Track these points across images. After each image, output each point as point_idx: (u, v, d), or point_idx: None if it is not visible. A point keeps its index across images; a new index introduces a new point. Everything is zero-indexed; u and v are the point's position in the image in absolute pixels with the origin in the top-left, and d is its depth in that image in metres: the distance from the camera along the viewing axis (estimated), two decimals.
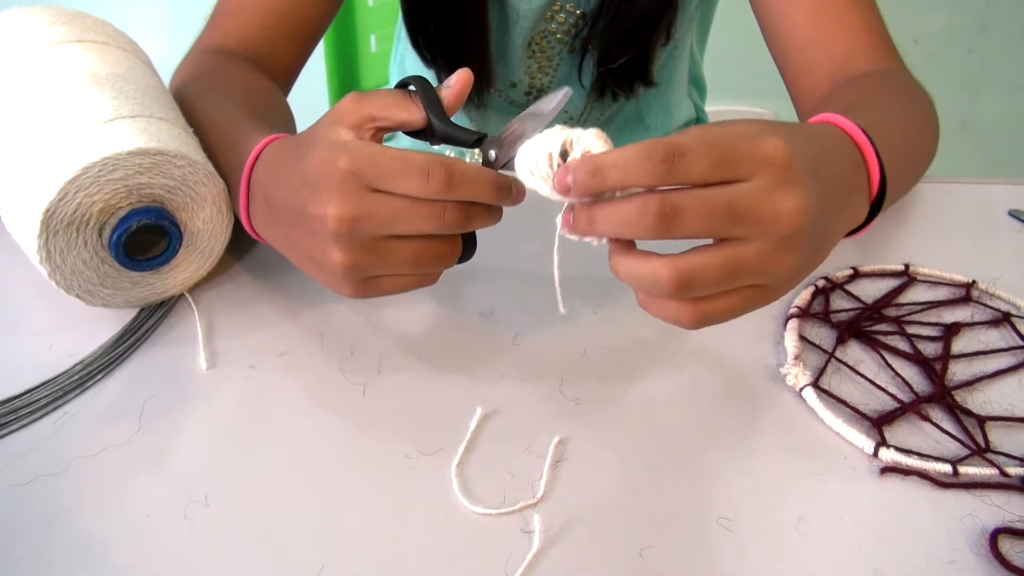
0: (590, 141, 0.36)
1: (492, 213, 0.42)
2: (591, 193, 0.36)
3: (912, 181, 0.59)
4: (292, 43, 0.69)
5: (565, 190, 0.36)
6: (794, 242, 0.36)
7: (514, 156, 0.39)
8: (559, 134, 0.37)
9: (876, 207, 0.45)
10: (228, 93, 0.60)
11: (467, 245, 0.44)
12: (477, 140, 0.43)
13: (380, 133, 0.43)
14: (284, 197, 0.43)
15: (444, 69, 0.76)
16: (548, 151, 0.37)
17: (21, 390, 0.44)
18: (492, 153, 0.43)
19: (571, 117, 0.84)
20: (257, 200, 0.47)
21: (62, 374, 0.45)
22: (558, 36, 0.77)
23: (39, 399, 0.44)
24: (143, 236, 0.47)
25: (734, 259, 0.36)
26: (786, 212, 0.35)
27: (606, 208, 0.36)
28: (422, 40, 0.74)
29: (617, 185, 0.35)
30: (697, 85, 0.95)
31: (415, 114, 0.43)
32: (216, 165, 0.50)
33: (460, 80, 0.44)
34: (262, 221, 0.47)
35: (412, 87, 0.44)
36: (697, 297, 0.37)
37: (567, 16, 0.76)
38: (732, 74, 1.38)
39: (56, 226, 0.44)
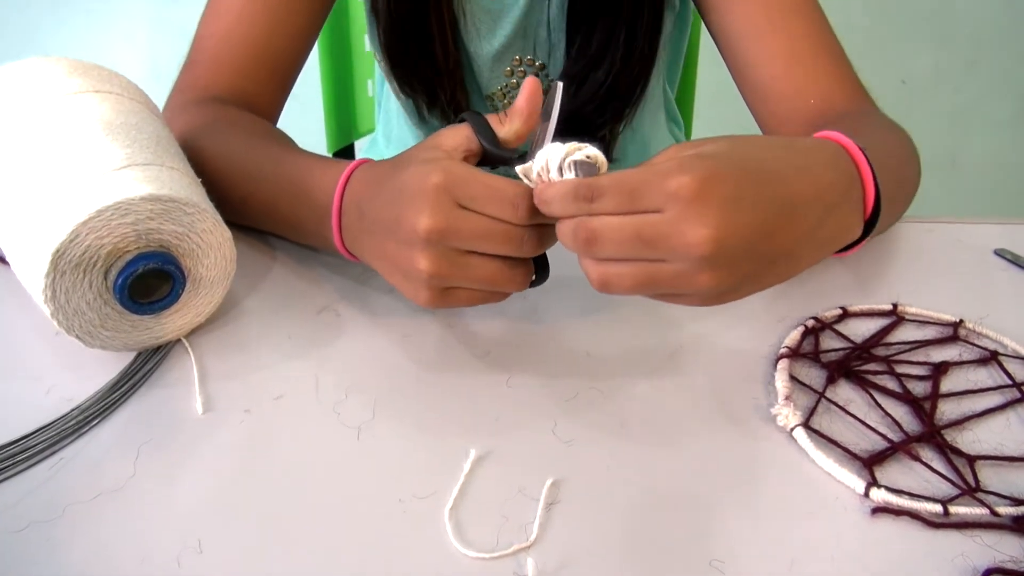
0: (580, 158, 0.43)
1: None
2: (550, 215, 0.43)
3: (901, 207, 0.60)
4: (271, 83, 0.70)
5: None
6: (712, 264, 0.39)
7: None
8: (558, 151, 0.43)
9: (871, 225, 0.46)
10: (257, 134, 0.62)
11: (540, 271, 0.49)
12: (520, 157, 0.48)
13: (471, 159, 0.49)
14: (380, 207, 0.47)
15: (422, 101, 0.77)
16: (538, 170, 0.44)
17: (18, 435, 0.44)
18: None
19: None
20: (351, 214, 0.50)
21: (59, 419, 0.46)
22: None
23: (35, 444, 0.44)
24: (147, 280, 0.48)
25: (649, 273, 0.41)
26: (695, 240, 0.39)
27: (559, 224, 0.43)
28: (398, 73, 0.75)
29: (558, 215, 0.42)
30: (675, 121, 0.97)
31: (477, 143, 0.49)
32: (279, 195, 0.56)
33: (525, 92, 0.49)
34: (355, 234, 0.50)
35: (463, 118, 0.49)
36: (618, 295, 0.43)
37: (527, 69, 0.77)
38: (724, 114, 1.41)
39: (64, 266, 0.45)
